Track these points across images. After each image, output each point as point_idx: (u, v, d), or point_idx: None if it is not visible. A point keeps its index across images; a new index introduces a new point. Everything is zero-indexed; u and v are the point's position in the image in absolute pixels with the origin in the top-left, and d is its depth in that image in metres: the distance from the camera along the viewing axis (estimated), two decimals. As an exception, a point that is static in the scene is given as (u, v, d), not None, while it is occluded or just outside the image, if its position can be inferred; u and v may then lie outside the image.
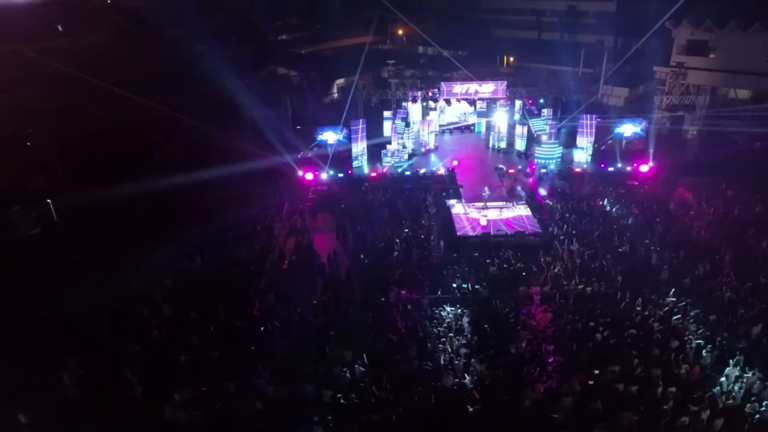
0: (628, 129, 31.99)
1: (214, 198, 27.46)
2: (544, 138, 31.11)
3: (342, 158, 31.98)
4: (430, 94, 33.21)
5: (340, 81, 50.01)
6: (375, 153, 32.17)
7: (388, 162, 31.39)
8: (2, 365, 16.30)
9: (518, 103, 33.55)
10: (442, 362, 16.19)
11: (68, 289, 19.39)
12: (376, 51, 77.48)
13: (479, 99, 32.45)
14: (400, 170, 30.70)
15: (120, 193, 27.66)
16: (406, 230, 23.92)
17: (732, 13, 33.07)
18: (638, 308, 18.38)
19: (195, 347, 17.36)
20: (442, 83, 31.07)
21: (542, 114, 32.56)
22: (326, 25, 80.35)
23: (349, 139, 32.41)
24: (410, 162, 32.13)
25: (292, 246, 24.43)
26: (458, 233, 23.78)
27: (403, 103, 31.92)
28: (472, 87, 31.03)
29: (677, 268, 20.83)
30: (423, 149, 33.54)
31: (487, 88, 31.07)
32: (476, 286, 19.83)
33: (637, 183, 29.41)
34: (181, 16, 44.87)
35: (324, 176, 30.33)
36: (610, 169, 30.18)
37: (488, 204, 26.10)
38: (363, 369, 16.03)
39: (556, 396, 14.70)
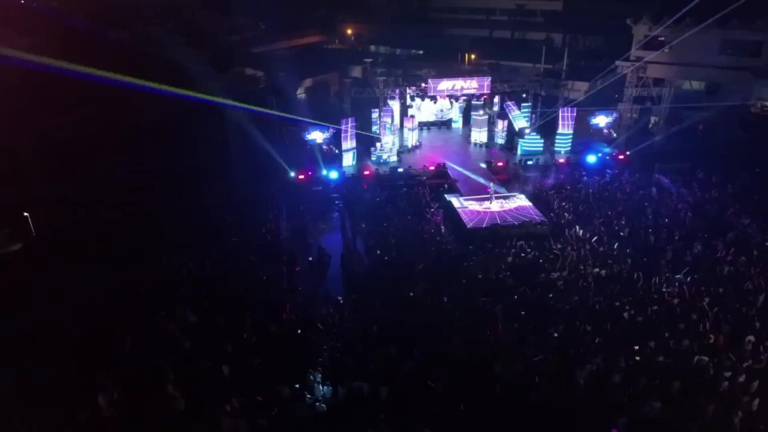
0: (601, 120, 33.75)
1: (209, 203, 26.61)
2: (527, 131, 32.22)
3: (330, 158, 31.77)
4: (410, 91, 33.54)
5: (308, 81, 49.36)
6: (364, 151, 32.23)
7: (378, 159, 31.50)
8: (24, 392, 15.14)
9: (497, 98, 34.64)
10: (490, 351, 16.46)
11: (74, 304, 18.28)
12: (329, 51, 77.36)
13: (464, 95, 33.13)
14: (392, 168, 30.85)
15: (105, 197, 26.41)
16: (419, 226, 24.06)
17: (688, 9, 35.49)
18: (655, 286, 19.45)
19: (232, 355, 16.78)
20: (429, 80, 31.47)
21: (522, 108, 33.74)
22: (272, 25, 79.29)
23: (333, 138, 32.31)
24: (398, 159, 32.43)
25: (302, 247, 24.07)
26: (468, 226, 24.22)
27: (390, 101, 32.07)
28: (458, 83, 31.65)
29: (678, 248, 22.26)
30: (409, 146, 33.87)
31: (472, 85, 31.81)
32: (500, 276, 20.27)
33: (617, 171, 31.06)
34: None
35: (317, 176, 29.99)
36: (592, 158, 31.71)
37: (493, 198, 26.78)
38: (414, 363, 16.06)
39: (605, 373, 15.38)
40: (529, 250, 22.02)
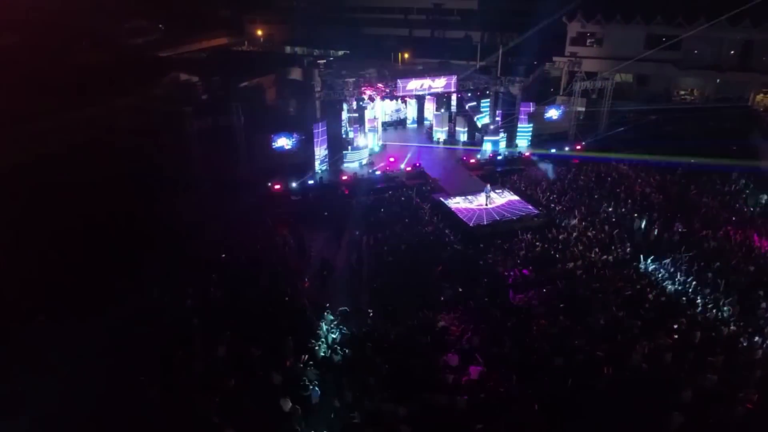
0: (553, 113, 35.54)
1: (180, 220, 24.22)
2: (492, 128, 33.08)
3: (300, 165, 30.35)
4: (371, 91, 32.93)
5: (243, 84, 46.76)
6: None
7: (355, 163, 30.72)
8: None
9: (453, 96, 35.19)
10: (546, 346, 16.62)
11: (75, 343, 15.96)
12: (254, 53, 74.15)
13: (431, 94, 33.22)
14: (370, 171, 30.19)
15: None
16: (423, 228, 23.73)
17: (618, 7, 38.70)
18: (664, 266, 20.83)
19: (283, 388, 15.44)
20: (398, 80, 31.11)
21: (482, 105, 34.56)
22: (175, 27, 74.69)
23: (299, 144, 31.01)
24: (371, 162, 31.82)
25: (302, 261, 22.77)
26: (471, 224, 24.31)
27: (361, 103, 31.30)
28: (426, 82, 31.65)
29: (661, 229, 23.99)
30: (376, 149, 33.36)
31: (439, 83, 31.96)
32: (523, 271, 20.58)
33: (578, 161, 32.82)
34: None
35: (294, 185, 28.55)
36: (553, 150, 33.27)
37: (479, 194, 27.10)
38: (479, 370, 15.81)
39: (657, 353, 16.17)
40: (538, 243, 22.54)
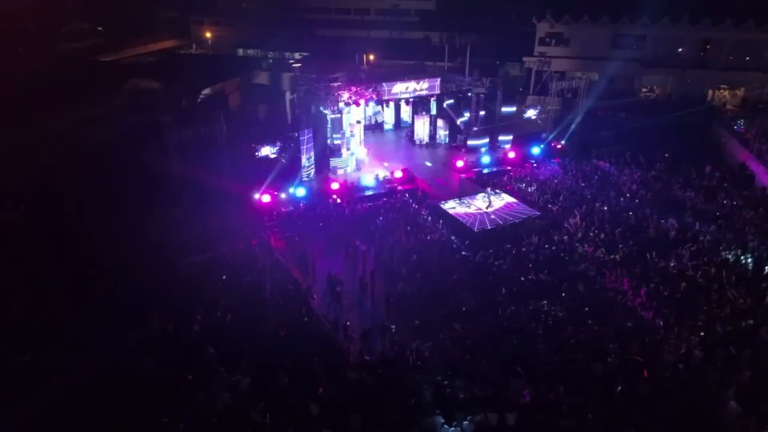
0: (531, 113, 35.95)
1: (168, 240, 22.59)
2: (475, 129, 33.02)
3: (285, 174, 29.13)
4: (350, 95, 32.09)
5: (206, 90, 44.60)
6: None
7: (340, 170, 29.80)
8: None
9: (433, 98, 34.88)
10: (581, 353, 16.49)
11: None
12: (196, 56, 71.35)
13: (416, 97, 32.72)
14: (359, 178, 29.38)
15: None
16: (427, 236, 23.20)
17: (585, 8, 39.66)
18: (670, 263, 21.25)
19: (322, 419, 14.50)
20: (384, 84, 30.40)
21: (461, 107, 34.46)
22: (116, 30, 70.99)
23: (282, 152, 29.87)
24: (358, 168, 31.02)
25: (305, 279, 21.74)
26: (475, 229, 24.00)
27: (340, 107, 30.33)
28: (411, 85, 31.14)
29: (656, 224, 24.56)
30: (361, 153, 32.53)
31: (424, 86, 31.53)
32: (539, 276, 20.44)
33: (558, 160, 33.28)
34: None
35: (283, 196, 27.32)
36: (536, 150, 33.57)
37: (474, 197, 26.85)
38: (521, 382, 15.45)
39: (688, 353, 16.39)
40: (546, 246, 22.50)
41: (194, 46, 77.55)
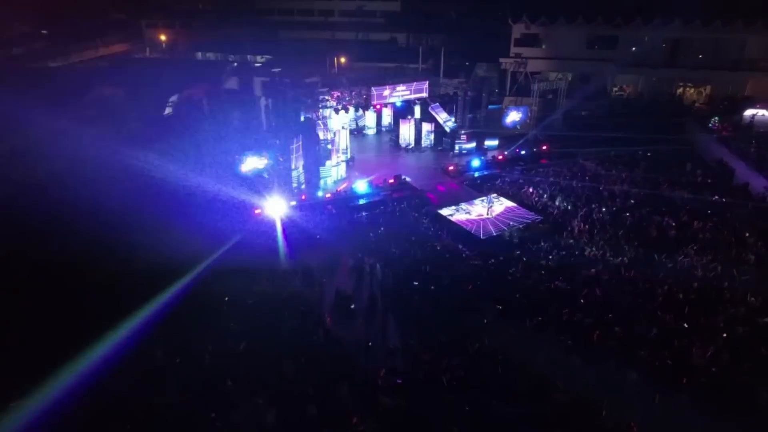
0: (515, 115, 35.95)
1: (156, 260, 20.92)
2: (462, 133, 32.69)
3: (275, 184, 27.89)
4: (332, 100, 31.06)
5: (174, 97, 42.38)
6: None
7: (330, 178, 28.78)
8: None
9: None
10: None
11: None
12: (154, 60, 68.28)
13: (405, 101, 32.00)
14: (354, 186, 28.40)
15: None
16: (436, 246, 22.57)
17: (561, 9, 40.08)
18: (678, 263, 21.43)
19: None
20: (372, 88, 29.52)
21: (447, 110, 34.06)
22: (61, 33, 67.17)
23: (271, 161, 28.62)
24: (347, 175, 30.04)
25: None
26: (481, 236, 23.52)
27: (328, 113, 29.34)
28: (400, 89, 30.41)
29: (657, 224, 24.80)
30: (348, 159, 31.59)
31: (411, 90, 30.85)
32: (555, 282, 20.14)
33: (545, 161, 33.31)
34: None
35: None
36: (522, 152, 33.54)
37: (472, 203, 26.40)
38: (564, 396, 15.04)
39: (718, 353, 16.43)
40: (555, 251, 22.26)
41: (147, 50, 74.11)
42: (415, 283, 20.37)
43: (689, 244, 22.91)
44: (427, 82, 31.54)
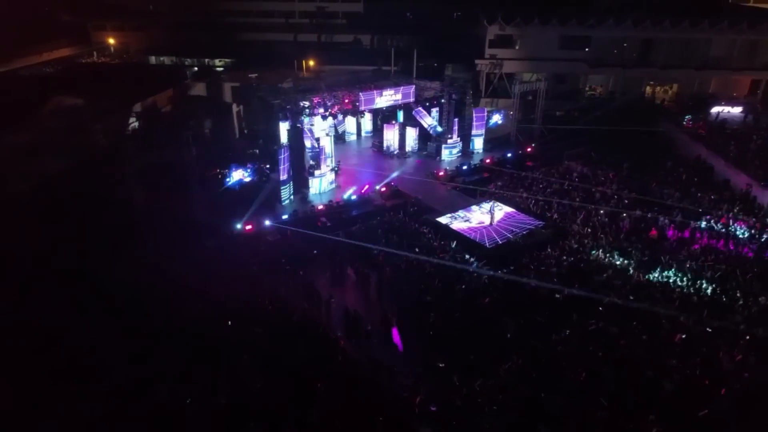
0: (496, 118, 35.73)
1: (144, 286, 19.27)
2: (450, 138, 32.11)
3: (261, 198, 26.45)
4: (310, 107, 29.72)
5: (137, 106, 39.83)
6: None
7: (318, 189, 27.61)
8: None
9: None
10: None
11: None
12: (109, 66, 64.40)
13: (392, 106, 31.03)
14: (346, 196, 27.25)
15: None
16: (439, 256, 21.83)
17: (534, 10, 40.23)
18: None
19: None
20: (360, 94, 28.41)
21: (431, 113, 33.39)
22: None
23: (255, 174, 27.18)
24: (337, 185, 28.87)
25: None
26: (488, 245, 22.91)
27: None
28: (387, 94, 29.44)
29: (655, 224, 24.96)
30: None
31: (399, 95, 29.96)
32: (572, 290, 19.76)
33: (531, 163, 33.14)
34: None
35: (267, 223, 24.60)
36: (509, 155, 33.29)
37: (469, 209, 25.85)
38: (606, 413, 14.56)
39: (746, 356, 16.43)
40: (564, 258, 21.92)
41: (95, 54, 69.96)
42: (429, 299, 19.53)
43: (693, 245, 23.13)
44: (414, 87, 30.75)
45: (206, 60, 61.07)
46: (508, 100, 41.62)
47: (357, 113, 31.16)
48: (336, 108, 28.62)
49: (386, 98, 29.82)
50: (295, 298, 20.26)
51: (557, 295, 19.51)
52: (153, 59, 65.16)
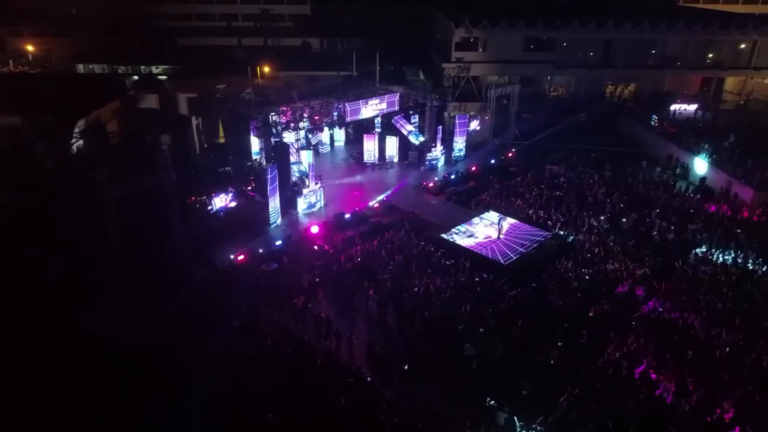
0: (474, 124, 35.04)
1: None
2: (433, 147, 31.02)
3: (247, 224, 24.21)
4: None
5: (81, 122, 35.67)
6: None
7: (309, 207, 25.58)
8: None
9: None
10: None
11: None
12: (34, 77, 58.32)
13: (377, 115, 29.37)
14: (337, 214, 25.34)
15: None
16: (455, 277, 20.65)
17: (501, 13, 39.92)
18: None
19: None
20: (345, 104, 26.55)
21: (411, 121, 32.14)
22: None
23: (237, 197, 24.83)
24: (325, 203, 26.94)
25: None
26: (503, 262, 21.88)
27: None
28: (373, 103, 27.78)
29: (648, 226, 25.00)
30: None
31: (384, 104, 28.39)
32: (603, 307, 19.12)
33: (515, 168, 32.60)
34: None
35: (260, 251, 22.38)
36: (492, 161, 32.62)
37: (471, 223, 24.85)
38: None
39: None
40: (582, 270, 21.29)
41: (11, 62, 63.23)
42: (460, 328, 18.19)
43: (698, 247, 23.23)
44: (398, 95, 29.30)
45: (141, 67, 56.69)
46: (475, 104, 41.24)
47: (344, 125, 29.28)
48: (319, 119, 26.61)
49: (372, 108, 28.21)
50: (305, 334, 18.38)
51: (590, 314, 18.79)
52: (81, 68, 59.59)
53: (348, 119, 27.63)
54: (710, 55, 43.18)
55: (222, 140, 37.76)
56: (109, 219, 19.74)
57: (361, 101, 27.46)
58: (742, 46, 42.69)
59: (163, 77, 52.41)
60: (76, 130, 35.00)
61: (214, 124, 37.71)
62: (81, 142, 35.23)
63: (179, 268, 20.61)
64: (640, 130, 37.89)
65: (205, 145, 36.66)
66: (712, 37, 41.52)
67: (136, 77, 52.52)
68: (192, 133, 35.00)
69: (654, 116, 37.83)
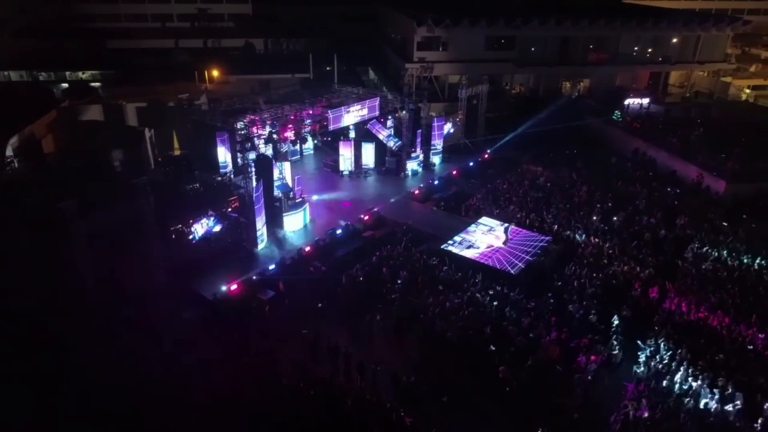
0: (447, 126, 34.34)
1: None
2: (414, 152, 29.94)
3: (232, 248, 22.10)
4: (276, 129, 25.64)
5: (14, 139, 31.47)
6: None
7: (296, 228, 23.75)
8: None
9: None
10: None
11: None
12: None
13: (358, 122, 27.75)
14: (329, 232, 23.66)
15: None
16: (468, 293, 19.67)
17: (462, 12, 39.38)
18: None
19: None
20: (329, 111, 24.78)
21: (387, 126, 30.87)
22: None
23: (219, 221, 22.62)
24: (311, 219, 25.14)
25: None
26: (513, 272, 21.10)
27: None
28: (354, 109, 26.19)
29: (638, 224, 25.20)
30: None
31: (365, 110, 26.86)
32: (622, 315, 18.78)
33: (492, 171, 32.14)
34: None
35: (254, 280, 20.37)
36: (471, 164, 32.00)
37: (468, 231, 23.99)
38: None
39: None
40: (595, 275, 20.92)
41: None
42: (492, 348, 17.17)
43: (693, 244, 23.53)
44: (378, 100, 27.88)
45: (66, 73, 51.68)
46: (438, 105, 40.61)
47: (325, 134, 27.53)
48: (298, 129, 24.77)
49: (353, 115, 26.64)
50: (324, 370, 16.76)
51: (614, 321, 18.39)
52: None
53: (331, 127, 25.87)
54: (658, 51, 44.93)
55: (177, 152, 34.87)
56: (79, 258, 17.09)
57: (343, 108, 25.82)
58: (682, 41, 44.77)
59: (96, 84, 47.90)
60: (9, 150, 30.98)
61: (168, 136, 34.70)
62: (14, 161, 31.26)
63: (164, 308, 18.30)
64: (600, 126, 38.64)
65: (160, 159, 33.58)
66: (662, 34, 43.10)
67: (64, 85, 47.78)
68: (146, 147, 31.84)
69: (617, 112, 38.70)
